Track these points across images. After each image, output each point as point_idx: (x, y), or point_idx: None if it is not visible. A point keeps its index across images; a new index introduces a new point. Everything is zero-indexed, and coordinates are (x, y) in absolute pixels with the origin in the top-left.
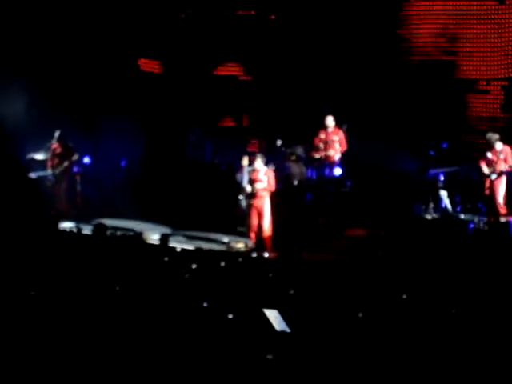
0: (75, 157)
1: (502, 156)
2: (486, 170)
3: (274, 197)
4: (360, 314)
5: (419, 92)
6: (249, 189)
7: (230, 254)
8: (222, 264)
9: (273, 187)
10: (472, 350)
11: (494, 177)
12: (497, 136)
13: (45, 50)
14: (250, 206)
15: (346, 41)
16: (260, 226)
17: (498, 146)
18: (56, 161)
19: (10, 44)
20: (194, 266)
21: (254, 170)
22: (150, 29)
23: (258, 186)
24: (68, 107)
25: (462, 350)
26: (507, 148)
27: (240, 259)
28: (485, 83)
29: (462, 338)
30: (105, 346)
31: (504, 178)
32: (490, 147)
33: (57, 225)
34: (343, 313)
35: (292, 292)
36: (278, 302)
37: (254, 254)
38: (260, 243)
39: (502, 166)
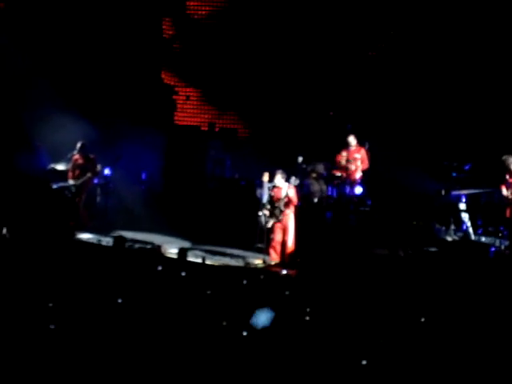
0: (97, 168)
1: None
2: (504, 192)
3: (295, 214)
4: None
5: (442, 112)
6: (276, 210)
7: (248, 270)
8: (244, 282)
9: (295, 202)
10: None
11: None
12: None
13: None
14: (275, 222)
15: (368, 61)
16: (284, 243)
17: None
18: (77, 172)
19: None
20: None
21: (274, 187)
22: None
23: (281, 204)
24: (90, 118)
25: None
26: None
27: (262, 276)
28: None
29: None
30: (116, 361)
31: None
32: (508, 170)
33: (73, 235)
34: (360, 335)
35: (309, 310)
36: (294, 319)
37: (273, 271)
38: (280, 260)
39: None
